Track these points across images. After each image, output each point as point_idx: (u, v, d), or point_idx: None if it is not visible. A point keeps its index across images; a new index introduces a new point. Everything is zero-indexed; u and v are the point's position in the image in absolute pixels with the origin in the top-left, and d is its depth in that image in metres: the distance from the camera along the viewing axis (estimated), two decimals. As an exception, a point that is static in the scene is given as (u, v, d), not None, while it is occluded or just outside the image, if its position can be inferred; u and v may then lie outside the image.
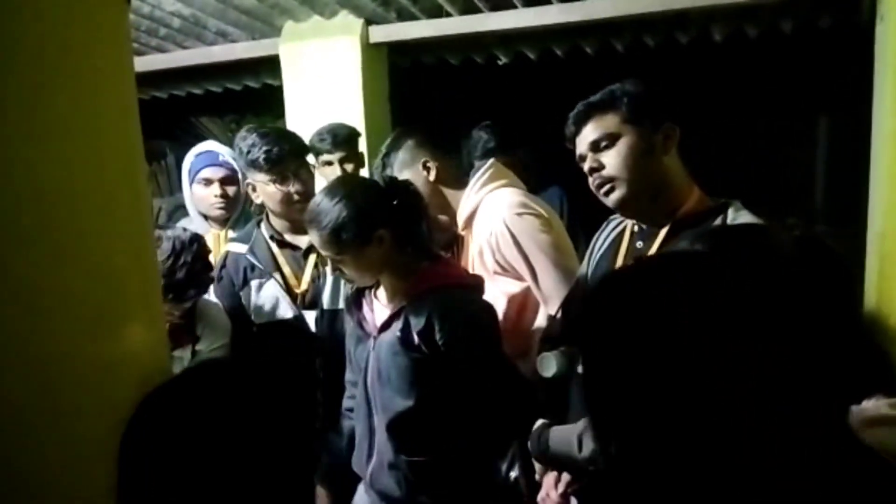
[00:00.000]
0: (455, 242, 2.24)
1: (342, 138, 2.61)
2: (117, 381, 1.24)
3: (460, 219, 2.04)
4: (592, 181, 1.51)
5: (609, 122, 1.47)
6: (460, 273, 1.78)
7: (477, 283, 1.75)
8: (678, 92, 3.69)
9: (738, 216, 1.43)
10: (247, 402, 0.84)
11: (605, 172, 1.47)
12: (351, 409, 1.85)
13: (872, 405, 0.85)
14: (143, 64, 3.31)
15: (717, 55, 3.31)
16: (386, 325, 1.66)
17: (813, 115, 4.14)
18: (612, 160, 1.46)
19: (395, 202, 1.63)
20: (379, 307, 1.73)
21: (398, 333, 1.62)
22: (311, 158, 2.55)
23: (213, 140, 2.90)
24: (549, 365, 1.58)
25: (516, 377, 1.72)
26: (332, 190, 1.63)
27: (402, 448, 1.65)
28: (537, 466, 1.57)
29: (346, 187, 1.63)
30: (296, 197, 2.06)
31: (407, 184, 1.75)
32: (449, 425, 1.65)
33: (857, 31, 2.76)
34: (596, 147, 1.48)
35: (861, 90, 2.57)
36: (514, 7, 2.96)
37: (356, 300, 1.78)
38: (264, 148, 2.04)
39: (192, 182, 2.51)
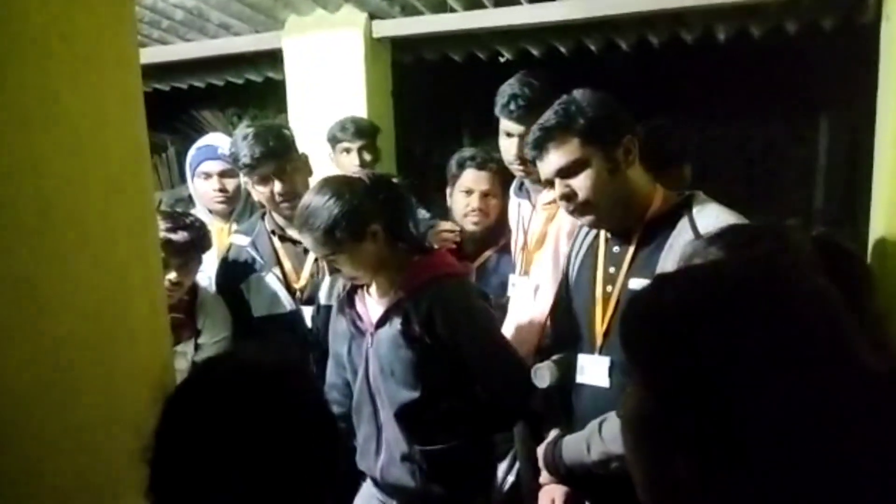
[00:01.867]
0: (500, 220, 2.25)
1: (364, 128, 2.67)
2: (120, 373, 1.24)
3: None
4: (566, 206, 1.52)
5: (572, 146, 1.45)
6: (453, 263, 1.79)
7: (467, 272, 1.78)
8: (676, 91, 3.68)
9: (703, 208, 1.45)
10: (272, 397, 0.84)
11: (579, 200, 1.48)
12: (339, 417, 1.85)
13: None
14: (145, 56, 3.25)
15: (721, 54, 3.30)
16: (383, 321, 1.67)
17: (814, 116, 4.13)
18: (582, 186, 1.46)
19: (381, 197, 1.64)
20: (373, 303, 1.74)
21: (399, 327, 1.63)
22: (323, 151, 2.58)
23: (215, 133, 2.90)
24: (543, 376, 1.60)
25: (517, 359, 1.73)
26: (319, 191, 1.63)
27: (414, 438, 1.67)
28: (544, 475, 1.57)
29: (333, 187, 1.63)
30: (278, 198, 2.05)
31: (390, 178, 1.76)
32: (457, 411, 1.67)
33: (862, 31, 2.75)
34: (563, 173, 1.48)
35: (864, 91, 2.56)
36: (518, 3, 2.96)
37: (349, 299, 1.78)
38: (244, 151, 2.03)
39: (193, 176, 2.52)
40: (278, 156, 2.05)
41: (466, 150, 2.42)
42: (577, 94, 1.51)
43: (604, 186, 1.46)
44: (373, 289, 1.74)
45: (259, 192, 2.09)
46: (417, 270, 1.66)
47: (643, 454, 0.67)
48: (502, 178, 2.29)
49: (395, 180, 1.75)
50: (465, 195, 2.33)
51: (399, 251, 1.67)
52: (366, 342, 1.72)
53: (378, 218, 1.61)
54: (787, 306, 0.61)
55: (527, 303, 2.03)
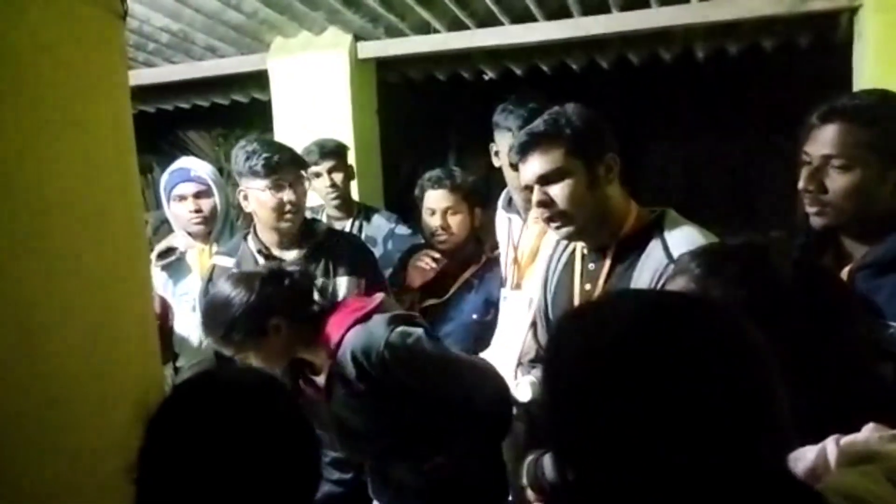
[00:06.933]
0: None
1: (329, 149, 2.65)
2: (112, 392, 1.24)
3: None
4: (541, 213, 1.55)
5: (555, 155, 1.49)
6: (358, 305, 1.72)
7: (376, 304, 1.71)
8: (657, 107, 3.73)
9: (674, 227, 1.49)
10: (256, 414, 0.86)
11: (556, 209, 1.51)
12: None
13: (862, 440, 0.82)
14: (131, 78, 3.30)
15: (700, 71, 3.37)
16: (329, 392, 1.66)
17: (792, 130, 4.21)
18: (560, 195, 1.49)
19: (279, 289, 1.63)
20: (318, 378, 1.72)
21: (343, 391, 1.62)
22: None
23: (192, 156, 2.91)
24: (524, 390, 1.60)
25: (482, 370, 1.72)
26: (218, 292, 1.63)
27: (414, 463, 1.68)
28: (529, 492, 1.58)
29: (231, 286, 1.62)
30: (287, 206, 2.07)
31: (291, 266, 1.75)
32: (445, 431, 1.66)
33: (836, 48, 2.83)
34: (543, 180, 1.51)
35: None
36: (501, 24, 3.01)
37: (294, 388, 1.74)
38: (265, 154, 2.06)
39: (168, 200, 2.52)
40: (300, 166, 2.15)
41: (427, 173, 2.44)
42: (568, 107, 1.54)
43: (581, 199, 1.49)
44: (314, 368, 1.72)
45: (266, 201, 2.06)
46: (331, 333, 1.63)
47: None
48: (464, 193, 2.32)
49: (291, 269, 1.72)
50: (430, 216, 2.36)
51: (307, 330, 1.65)
52: (326, 411, 1.69)
53: (279, 311, 1.60)
54: (700, 371, 0.62)
55: (521, 316, 2.03)
